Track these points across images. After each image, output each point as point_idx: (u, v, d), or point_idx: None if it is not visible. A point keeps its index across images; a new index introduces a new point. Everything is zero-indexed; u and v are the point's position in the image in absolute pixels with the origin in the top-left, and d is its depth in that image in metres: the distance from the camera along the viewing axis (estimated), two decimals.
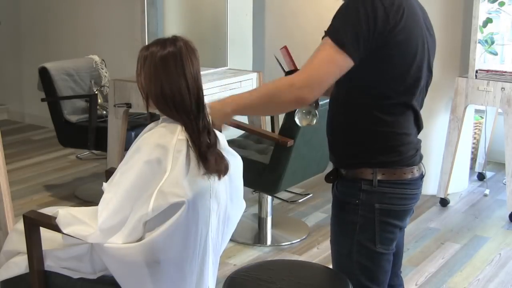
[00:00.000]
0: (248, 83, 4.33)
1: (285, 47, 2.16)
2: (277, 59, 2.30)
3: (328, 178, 2.07)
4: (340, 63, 1.80)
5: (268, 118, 4.46)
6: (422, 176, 2.03)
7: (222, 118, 2.05)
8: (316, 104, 2.08)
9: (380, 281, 2.03)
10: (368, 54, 1.81)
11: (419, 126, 2.04)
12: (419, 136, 2.09)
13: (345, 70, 1.82)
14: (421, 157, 2.04)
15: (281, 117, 3.58)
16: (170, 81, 2.07)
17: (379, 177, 1.93)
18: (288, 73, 2.14)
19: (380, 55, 1.82)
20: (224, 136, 2.28)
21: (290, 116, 2.70)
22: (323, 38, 1.84)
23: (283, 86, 1.85)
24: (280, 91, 1.85)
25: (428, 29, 1.97)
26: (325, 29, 1.85)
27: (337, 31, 1.80)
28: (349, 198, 1.98)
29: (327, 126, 2.05)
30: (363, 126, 1.93)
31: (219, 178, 2.17)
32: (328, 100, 2.07)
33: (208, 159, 2.11)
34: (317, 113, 2.09)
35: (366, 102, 1.90)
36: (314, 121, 2.09)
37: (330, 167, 2.15)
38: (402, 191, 1.96)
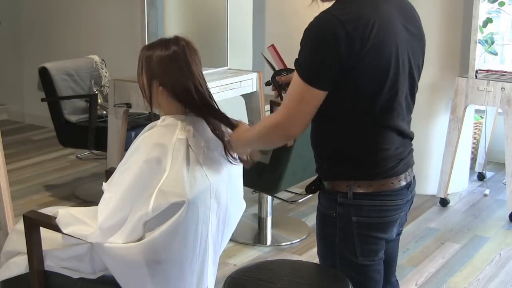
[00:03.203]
0: (248, 83, 4.32)
1: (273, 46, 2.15)
2: (265, 58, 2.28)
3: (309, 189, 2.03)
4: (313, 100, 1.80)
5: None
6: (408, 185, 1.94)
7: (242, 151, 2.13)
8: None
9: None
10: (337, 79, 1.78)
11: (405, 136, 1.94)
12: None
13: (321, 101, 1.81)
14: (408, 165, 1.95)
15: None
16: (174, 82, 2.07)
17: (355, 190, 1.87)
18: (277, 72, 2.14)
19: (347, 79, 1.78)
20: None
21: None
22: (295, 66, 1.82)
23: (271, 129, 1.88)
24: (269, 133, 1.90)
25: (409, 29, 1.88)
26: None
27: (304, 67, 1.78)
28: (327, 210, 1.95)
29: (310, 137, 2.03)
30: (337, 141, 1.90)
31: (222, 179, 2.17)
32: None
33: (210, 161, 2.12)
34: None
35: (339, 120, 1.87)
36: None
37: None
38: (382, 202, 1.89)
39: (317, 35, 1.76)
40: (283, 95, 2.13)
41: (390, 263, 2.10)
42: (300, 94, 1.79)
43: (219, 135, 2.14)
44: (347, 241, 1.92)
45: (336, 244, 1.94)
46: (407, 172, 1.94)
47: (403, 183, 1.92)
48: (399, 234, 2.10)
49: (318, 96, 1.79)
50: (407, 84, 1.89)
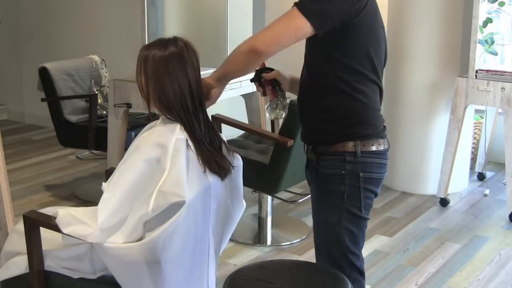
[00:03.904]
0: (248, 83, 4.33)
1: None
2: None
3: (311, 155, 2.21)
4: (299, 30, 1.96)
5: (268, 118, 4.46)
6: (388, 148, 2.22)
7: (207, 91, 2.17)
8: (284, 98, 2.26)
9: (361, 246, 2.23)
10: (337, 31, 1.99)
11: (381, 102, 2.22)
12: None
13: (303, 37, 1.99)
14: (386, 132, 2.24)
15: None
16: (172, 82, 2.07)
17: (361, 149, 2.11)
18: (258, 71, 2.29)
19: (347, 33, 2.01)
20: (224, 137, 2.29)
21: (290, 116, 2.72)
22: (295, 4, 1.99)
23: (245, 42, 2.03)
24: (241, 44, 2.03)
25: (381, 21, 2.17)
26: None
27: (305, 4, 1.96)
28: (334, 170, 2.13)
29: (302, 109, 2.21)
30: (340, 106, 2.10)
31: (222, 178, 2.17)
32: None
33: (210, 160, 2.12)
34: (286, 105, 2.26)
35: (342, 82, 2.07)
36: (284, 115, 2.26)
37: None
38: (379, 160, 2.16)
39: None
40: (267, 91, 2.29)
41: None
42: (289, 20, 1.96)
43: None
44: (354, 196, 2.14)
45: (344, 200, 2.14)
46: (386, 138, 2.21)
47: (386, 145, 2.19)
48: None
49: (305, 30, 1.95)
50: (384, 55, 2.18)
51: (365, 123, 2.12)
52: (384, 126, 2.20)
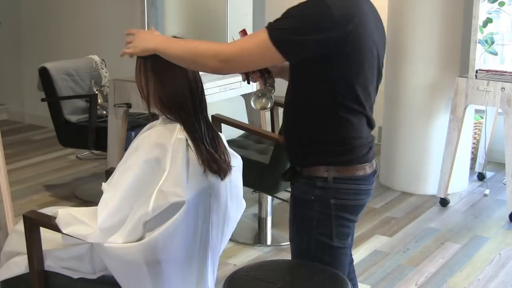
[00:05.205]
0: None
1: (244, 30, 2.18)
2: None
3: (284, 177, 2.11)
4: (270, 60, 1.90)
5: (268, 118, 4.46)
6: (374, 172, 2.10)
7: (141, 47, 2.01)
8: (272, 87, 2.14)
9: (344, 269, 2.11)
10: (315, 59, 1.88)
11: (371, 126, 2.08)
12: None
13: (273, 64, 1.94)
14: (374, 154, 2.10)
15: (281, 117, 3.58)
16: (172, 82, 2.07)
17: (333, 174, 1.99)
18: None
19: (327, 68, 1.89)
20: (224, 136, 2.29)
21: None
22: (268, 26, 1.87)
23: (209, 53, 1.89)
24: (204, 56, 1.91)
25: (377, 27, 2.01)
26: None
27: (279, 31, 1.84)
28: (304, 194, 2.04)
29: (283, 126, 2.13)
30: (317, 130, 1.99)
31: (222, 178, 2.17)
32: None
33: (210, 160, 2.11)
34: (272, 97, 2.14)
35: (321, 108, 1.96)
36: (269, 105, 2.14)
37: None
38: (356, 186, 2.02)
39: (306, 11, 1.85)
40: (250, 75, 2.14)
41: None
42: (261, 48, 1.85)
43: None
44: (324, 224, 2.02)
45: (313, 227, 2.03)
46: (373, 160, 2.09)
47: (370, 170, 2.06)
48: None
49: (277, 59, 1.88)
50: (375, 78, 2.03)
51: (340, 151, 1.99)
52: (371, 148, 2.06)
